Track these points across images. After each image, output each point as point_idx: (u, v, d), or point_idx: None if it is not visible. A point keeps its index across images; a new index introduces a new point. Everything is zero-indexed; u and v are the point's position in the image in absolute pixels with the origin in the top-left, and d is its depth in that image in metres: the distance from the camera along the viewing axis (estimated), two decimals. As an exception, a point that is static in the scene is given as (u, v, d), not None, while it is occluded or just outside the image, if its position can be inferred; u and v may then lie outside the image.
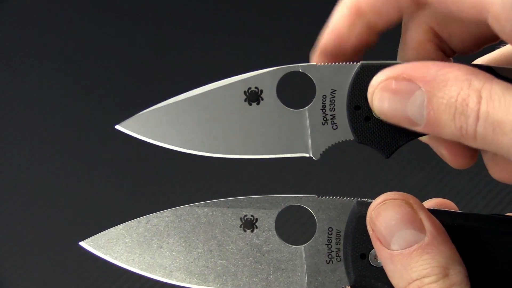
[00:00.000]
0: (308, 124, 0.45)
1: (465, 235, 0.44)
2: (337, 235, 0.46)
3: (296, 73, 0.45)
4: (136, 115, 0.46)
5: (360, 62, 0.44)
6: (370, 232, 0.43)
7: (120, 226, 0.47)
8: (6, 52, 1.27)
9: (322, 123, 0.45)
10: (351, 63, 0.45)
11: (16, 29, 1.28)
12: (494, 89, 0.39)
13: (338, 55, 0.46)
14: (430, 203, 0.50)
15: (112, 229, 0.47)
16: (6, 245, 1.05)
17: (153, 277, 0.47)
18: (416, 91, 0.40)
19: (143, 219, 0.47)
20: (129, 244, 0.47)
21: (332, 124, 0.45)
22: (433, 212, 0.45)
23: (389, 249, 0.42)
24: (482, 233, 0.44)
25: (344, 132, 0.45)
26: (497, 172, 0.45)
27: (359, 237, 0.45)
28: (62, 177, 1.12)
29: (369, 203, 0.45)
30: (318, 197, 0.46)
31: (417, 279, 0.41)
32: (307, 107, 0.45)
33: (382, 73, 0.42)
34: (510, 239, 0.44)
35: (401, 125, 0.42)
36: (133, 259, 0.46)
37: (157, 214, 0.47)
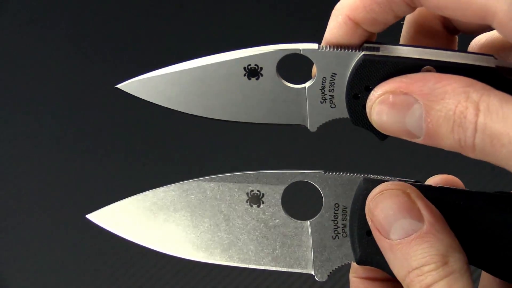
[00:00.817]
0: (306, 101, 0.45)
1: (471, 213, 0.44)
2: (344, 211, 0.46)
3: (297, 55, 0.45)
4: (135, 78, 0.46)
5: (363, 53, 0.44)
6: (370, 223, 0.44)
7: (127, 200, 0.47)
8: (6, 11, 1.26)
9: (321, 101, 0.45)
10: (354, 51, 0.44)
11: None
12: (491, 101, 0.39)
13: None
14: (435, 180, 0.50)
15: (118, 202, 0.47)
16: (11, 218, 1.05)
17: (159, 250, 0.47)
18: (414, 105, 0.40)
19: (149, 193, 0.47)
20: (136, 217, 0.47)
21: (330, 103, 0.45)
22: (439, 190, 0.45)
23: (389, 239, 0.42)
24: (488, 211, 0.44)
25: (342, 111, 0.45)
26: None
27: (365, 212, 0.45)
28: (68, 149, 1.12)
29: (376, 180, 0.45)
30: (325, 173, 0.46)
31: (416, 268, 0.41)
32: (306, 84, 0.45)
33: (379, 87, 0.42)
34: None
35: (401, 137, 0.42)
36: (139, 233, 0.47)
37: (164, 188, 0.47)
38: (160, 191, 0.47)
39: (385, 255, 0.43)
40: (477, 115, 0.39)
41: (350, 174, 0.46)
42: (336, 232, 0.46)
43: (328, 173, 0.46)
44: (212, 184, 0.46)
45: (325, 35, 0.45)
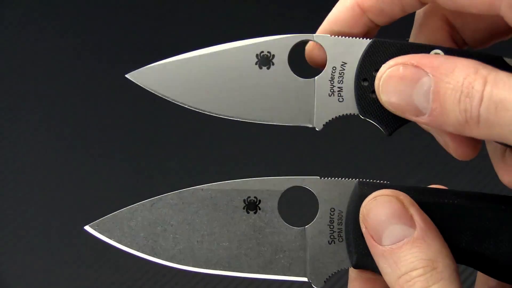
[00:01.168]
0: (315, 94, 0.46)
1: (465, 213, 0.45)
2: (339, 216, 0.46)
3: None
4: (146, 66, 0.47)
5: (374, 39, 0.45)
6: (363, 230, 0.44)
7: (125, 210, 0.47)
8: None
9: (329, 94, 0.46)
10: (365, 39, 0.45)
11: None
12: (499, 75, 0.39)
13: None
14: None
15: (116, 212, 0.47)
16: (8, 226, 1.05)
17: (157, 261, 0.47)
18: (423, 77, 0.41)
19: (147, 202, 0.47)
20: (133, 227, 0.47)
21: (338, 96, 0.46)
22: (431, 191, 0.45)
23: (381, 245, 0.43)
24: (483, 211, 0.45)
25: (350, 106, 0.45)
26: (507, 175, 0.45)
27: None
28: (65, 158, 1.11)
29: (370, 183, 0.46)
30: (320, 178, 0.46)
31: (405, 273, 0.42)
32: (316, 77, 0.46)
33: (390, 60, 0.43)
34: (508, 217, 0.45)
35: (406, 116, 0.42)
36: (137, 243, 0.47)
37: (161, 197, 0.47)
38: (157, 200, 0.47)
39: (378, 262, 0.43)
40: (484, 85, 0.39)
41: (345, 179, 0.46)
42: (332, 237, 0.46)
43: (324, 178, 0.46)
44: (209, 192, 0.47)
45: (328, 16, 0.46)
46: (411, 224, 0.43)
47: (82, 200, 1.05)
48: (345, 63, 0.45)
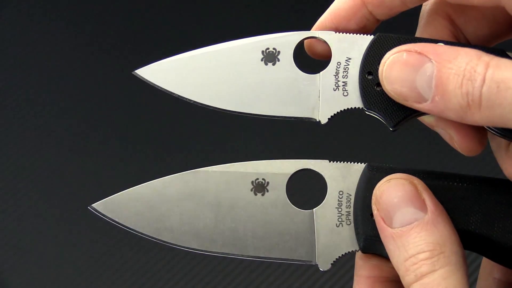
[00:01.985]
0: (320, 88, 0.46)
1: (474, 196, 0.44)
2: (348, 199, 0.46)
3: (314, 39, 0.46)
4: (153, 63, 0.47)
5: (378, 34, 0.45)
6: (375, 212, 0.44)
7: (130, 190, 0.47)
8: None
9: (334, 88, 0.46)
10: (369, 34, 0.45)
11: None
12: (501, 60, 0.40)
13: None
14: None
15: (122, 192, 0.47)
16: (15, 207, 1.05)
17: (162, 240, 0.47)
18: (426, 63, 0.41)
19: (153, 182, 0.47)
20: (139, 207, 0.47)
21: (343, 90, 0.46)
22: (442, 174, 0.45)
23: (391, 227, 0.43)
24: (492, 195, 0.44)
25: (354, 100, 0.46)
26: (511, 168, 0.45)
27: (369, 199, 0.45)
28: (72, 138, 1.12)
29: (380, 167, 0.45)
30: (329, 161, 0.46)
31: (412, 256, 0.42)
32: (320, 72, 0.46)
33: (394, 48, 0.43)
34: None
35: (408, 103, 0.42)
36: (142, 223, 0.47)
37: (167, 177, 0.47)
38: (163, 181, 0.47)
39: (386, 245, 0.43)
40: (486, 68, 0.39)
41: (354, 162, 0.46)
42: (340, 220, 0.46)
43: (332, 161, 0.46)
44: (217, 173, 0.46)
45: (329, 8, 0.46)
46: (423, 208, 0.43)
47: (89, 180, 1.05)
48: (350, 59, 0.45)
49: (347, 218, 0.46)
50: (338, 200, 0.46)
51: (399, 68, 0.42)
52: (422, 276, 0.41)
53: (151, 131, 1.12)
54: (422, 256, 0.42)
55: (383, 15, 0.45)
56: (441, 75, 0.40)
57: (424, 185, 0.44)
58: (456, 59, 0.40)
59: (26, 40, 1.23)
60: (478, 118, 0.40)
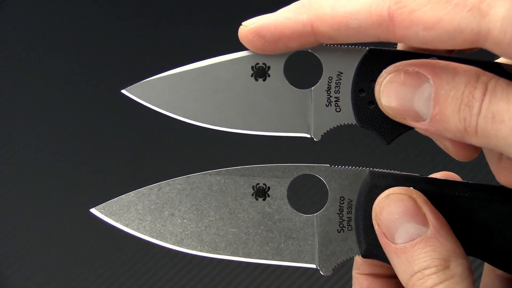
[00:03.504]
0: (312, 104, 0.45)
1: (474, 204, 0.44)
2: (349, 204, 0.46)
3: (304, 53, 0.45)
4: (142, 81, 0.46)
5: (370, 47, 0.44)
6: (376, 227, 0.44)
7: (132, 193, 0.47)
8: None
9: (326, 104, 0.45)
10: (361, 47, 0.44)
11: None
12: (499, 83, 0.39)
13: (271, 43, 0.44)
14: (436, 176, 0.50)
15: (123, 196, 0.47)
16: (16, 209, 1.05)
17: (164, 244, 0.47)
18: (425, 83, 0.41)
19: (155, 186, 0.47)
20: (141, 211, 0.47)
21: (335, 106, 0.45)
22: (442, 182, 0.45)
23: (394, 243, 0.43)
24: (490, 202, 0.44)
25: (347, 116, 0.45)
26: (503, 177, 0.44)
27: (371, 206, 0.44)
28: (73, 142, 1.12)
29: (382, 173, 0.45)
30: (331, 166, 0.46)
31: (418, 271, 0.42)
32: (312, 87, 0.45)
33: (390, 66, 0.42)
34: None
35: (406, 121, 0.42)
36: (144, 226, 0.46)
37: (169, 181, 0.47)
38: (165, 185, 0.47)
39: (391, 260, 0.43)
40: (484, 94, 0.39)
41: (355, 167, 0.46)
42: (341, 225, 0.46)
43: (334, 166, 0.46)
44: (218, 177, 0.46)
45: (278, 14, 0.43)
46: (424, 222, 0.43)
47: (90, 183, 1.05)
48: (341, 73, 0.45)
49: (348, 224, 0.46)
50: (340, 206, 0.46)
51: (397, 88, 0.42)
52: None
53: (152, 134, 1.12)
54: (428, 271, 0.42)
55: (425, 49, 0.43)
56: (439, 97, 0.40)
57: (424, 198, 0.44)
58: (454, 80, 0.40)
59: (27, 40, 1.23)
60: (475, 142, 0.40)
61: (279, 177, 0.46)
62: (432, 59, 0.43)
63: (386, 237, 0.43)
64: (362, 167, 0.46)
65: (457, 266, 0.42)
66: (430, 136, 0.47)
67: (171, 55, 1.19)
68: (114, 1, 1.27)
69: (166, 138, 1.11)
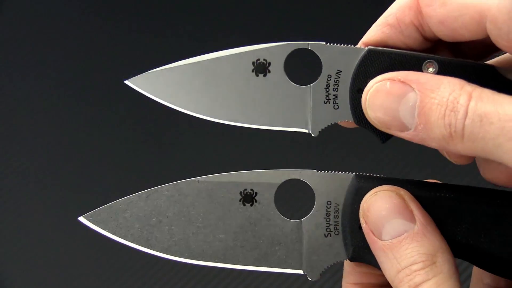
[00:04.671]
0: (310, 101, 0.46)
1: (462, 207, 0.45)
2: (336, 209, 0.46)
3: (304, 50, 0.46)
4: (145, 72, 0.47)
5: (369, 47, 0.45)
6: (363, 225, 0.44)
7: (121, 201, 0.47)
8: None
9: (324, 101, 0.46)
10: (360, 47, 0.45)
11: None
12: (484, 92, 0.40)
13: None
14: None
15: (112, 203, 0.47)
16: (4, 219, 1.05)
17: (151, 252, 0.47)
18: (409, 93, 0.41)
19: (143, 193, 0.47)
20: (129, 218, 0.47)
21: (334, 104, 0.46)
22: (429, 185, 0.45)
23: (381, 240, 0.43)
24: (478, 204, 0.45)
25: (345, 113, 0.46)
26: (488, 173, 0.45)
27: (357, 208, 0.45)
28: (62, 149, 1.11)
29: (368, 177, 0.45)
30: (317, 171, 0.46)
31: (405, 267, 0.42)
32: (311, 85, 0.46)
33: (377, 76, 0.43)
34: (503, 212, 0.45)
35: (391, 131, 0.43)
36: (131, 234, 0.47)
37: (157, 188, 0.47)
38: (153, 191, 0.47)
39: (378, 257, 0.44)
40: (469, 99, 0.40)
41: (341, 172, 0.46)
42: (328, 230, 0.46)
43: (320, 171, 0.46)
44: (205, 184, 0.46)
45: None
46: (411, 219, 0.43)
47: (79, 196, 1.05)
48: (340, 71, 0.45)
49: (335, 228, 0.46)
50: (326, 210, 0.46)
51: (382, 97, 0.42)
52: (416, 286, 0.42)
53: (141, 140, 1.11)
54: (415, 267, 0.42)
55: (445, 35, 0.44)
56: (424, 105, 0.41)
57: (411, 196, 0.44)
58: (439, 89, 0.41)
59: (28, 39, 1.23)
60: (460, 148, 0.40)
61: (266, 182, 0.46)
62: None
63: (374, 234, 0.43)
64: (348, 172, 0.46)
65: (444, 263, 0.42)
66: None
67: (173, 49, 1.19)
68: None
69: (155, 146, 1.11)
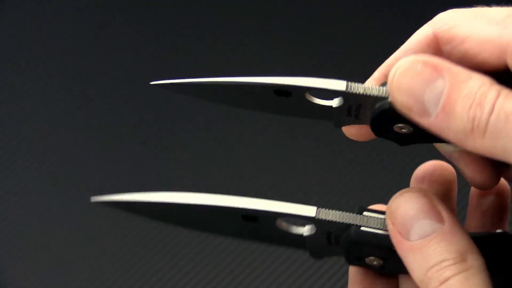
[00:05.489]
0: (333, 115, 0.47)
1: None
2: (336, 237, 0.46)
3: None
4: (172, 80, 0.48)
5: (390, 100, 0.44)
6: (390, 227, 0.44)
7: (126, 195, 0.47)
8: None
9: (346, 115, 0.47)
10: (382, 87, 0.45)
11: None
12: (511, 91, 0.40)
13: None
14: (426, 167, 0.51)
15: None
16: (12, 204, 1.05)
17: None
18: (439, 79, 0.41)
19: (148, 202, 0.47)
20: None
21: (355, 117, 0.47)
22: None
23: (409, 240, 0.43)
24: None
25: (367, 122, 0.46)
26: (469, 172, 0.46)
27: (358, 249, 0.45)
28: (62, 149, 1.11)
29: (366, 233, 0.45)
30: (317, 208, 0.46)
31: (435, 265, 0.42)
32: (333, 103, 0.47)
33: (412, 55, 0.43)
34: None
35: (411, 114, 0.42)
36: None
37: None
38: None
39: (405, 258, 0.43)
40: (497, 96, 0.40)
41: (343, 212, 0.46)
42: (330, 242, 0.47)
43: (323, 209, 0.46)
44: (204, 208, 0.46)
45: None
46: (440, 219, 0.43)
47: (80, 198, 1.05)
48: (361, 105, 0.46)
49: (336, 242, 0.46)
50: (327, 235, 0.46)
51: (411, 78, 0.42)
52: (446, 280, 0.41)
53: (141, 140, 1.11)
54: (445, 263, 0.42)
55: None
56: (451, 95, 0.40)
57: (438, 198, 0.44)
58: (469, 82, 0.40)
59: (29, 39, 1.23)
60: (479, 144, 0.40)
61: (267, 210, 0.46)
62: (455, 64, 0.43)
63: (401, 235, 0.43)
64: (349, 212, 0.46)
65: (474, 260, 0.42)
66: (452, 158, 0.48)
67: (175, 48, 1.18)
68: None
69: (163, 140, 1.10)
